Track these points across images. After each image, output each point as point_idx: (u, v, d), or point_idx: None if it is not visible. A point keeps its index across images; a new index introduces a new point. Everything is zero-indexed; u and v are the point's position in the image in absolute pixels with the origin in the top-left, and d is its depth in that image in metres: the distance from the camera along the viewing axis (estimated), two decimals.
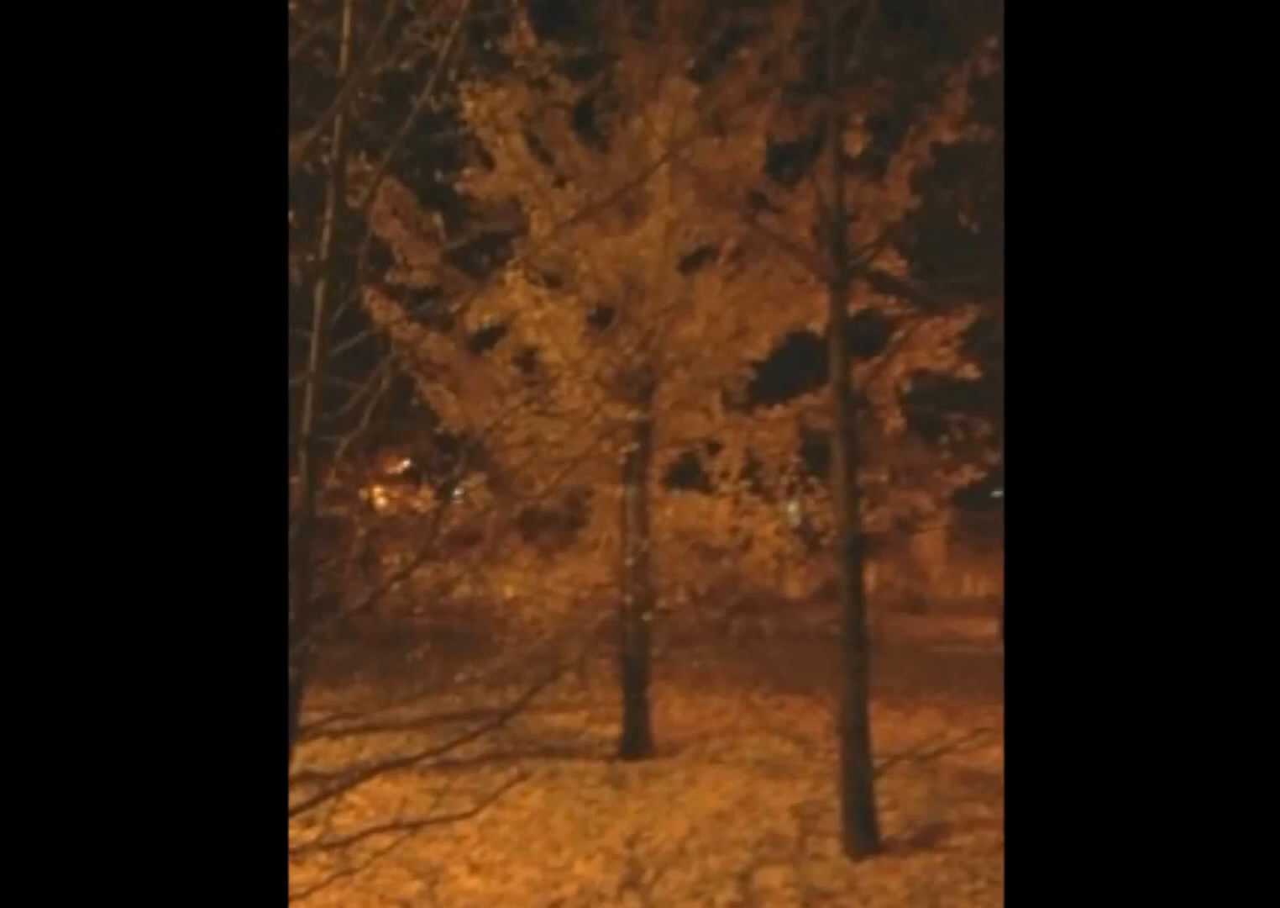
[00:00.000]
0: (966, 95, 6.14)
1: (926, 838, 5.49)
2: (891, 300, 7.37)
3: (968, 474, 8.01)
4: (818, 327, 7.39)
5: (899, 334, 7.13)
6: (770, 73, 6.86)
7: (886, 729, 7.61)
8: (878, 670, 6.05)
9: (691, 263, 7.86)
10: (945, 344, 7.25)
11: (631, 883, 4.93)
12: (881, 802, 5.66)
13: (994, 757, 6.83)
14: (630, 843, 5.55)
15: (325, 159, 3.07)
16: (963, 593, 22.87)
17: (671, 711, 9.42)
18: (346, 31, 3.16)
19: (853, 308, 6.24)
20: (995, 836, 5.36)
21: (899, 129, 6.57)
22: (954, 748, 6.91)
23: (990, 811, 5.86)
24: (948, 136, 6.36)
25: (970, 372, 7.35)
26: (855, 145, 6.31)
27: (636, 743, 7.86)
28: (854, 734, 5.40)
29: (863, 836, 5.27)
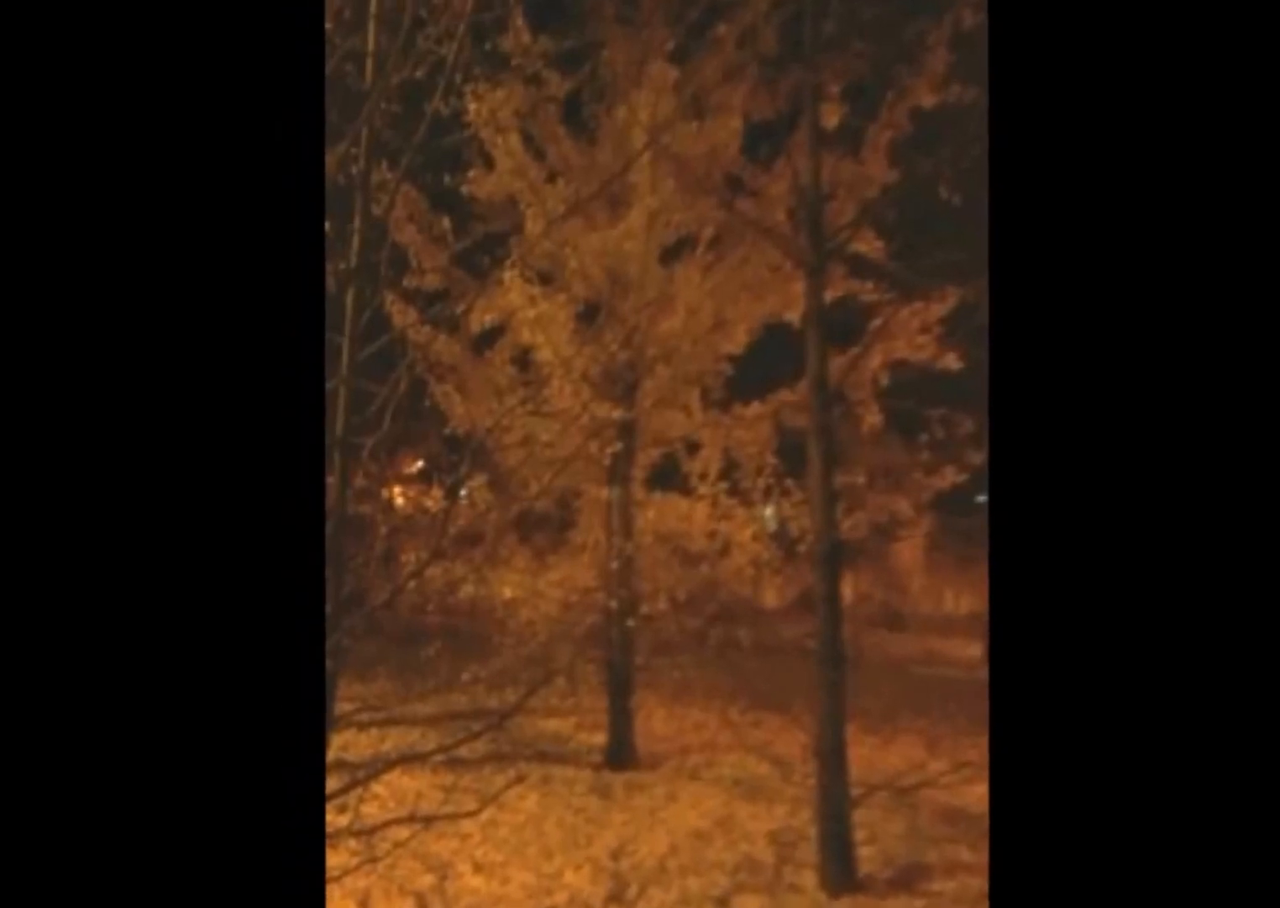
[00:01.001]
0: (947, 53, 5.95)
1: (906, 879, 5.24)
2: (869, 285, 7.16)
3: (949, 476, 7.45)
4: (794, 317, 7.23)
5: (877, 322, 6.86)
6: (747, 47, 6.76)
7: (864, 756, 7.43)
8: (855, 690, 5.83)
9: (671, 254, 7.88)
10: (925, 331, 6.93)
11: (616, 897, 4.91)
12: (859, 835, 5.39)
13: (977, 795, 6.57)
14: (615, 856, 5.55)
15: (354, 170, 3.22)
16: (944, 609, 22.16)
17: (653, 721, 9.46)
18: (371, 45, 3.29)
19: (829, 294, 5.97)
20: (979, 884, 5.05)
21: (876, 96, 6.40)
22: (935, 782, 6.62)
23: (973, 855, 5.54)
24: (927, 100, 6.18)
25: (951, 362, 6.99)
26: (832, 117, 6.16)
27: (621, 753, 7.91)
28: (831, 758, 5.19)
29: (840, 870, 5.06)
